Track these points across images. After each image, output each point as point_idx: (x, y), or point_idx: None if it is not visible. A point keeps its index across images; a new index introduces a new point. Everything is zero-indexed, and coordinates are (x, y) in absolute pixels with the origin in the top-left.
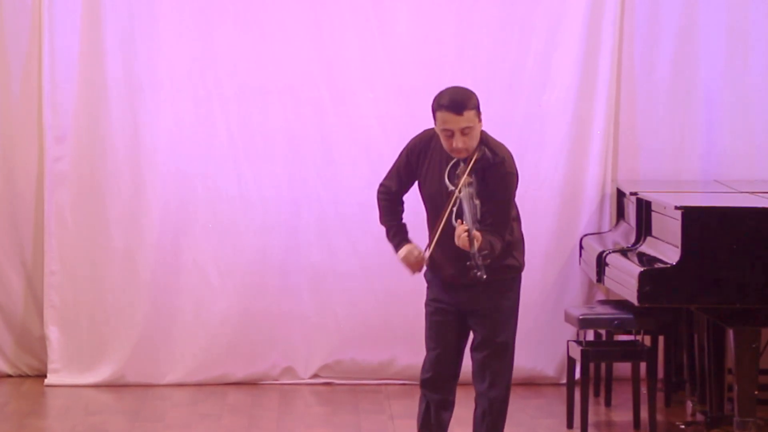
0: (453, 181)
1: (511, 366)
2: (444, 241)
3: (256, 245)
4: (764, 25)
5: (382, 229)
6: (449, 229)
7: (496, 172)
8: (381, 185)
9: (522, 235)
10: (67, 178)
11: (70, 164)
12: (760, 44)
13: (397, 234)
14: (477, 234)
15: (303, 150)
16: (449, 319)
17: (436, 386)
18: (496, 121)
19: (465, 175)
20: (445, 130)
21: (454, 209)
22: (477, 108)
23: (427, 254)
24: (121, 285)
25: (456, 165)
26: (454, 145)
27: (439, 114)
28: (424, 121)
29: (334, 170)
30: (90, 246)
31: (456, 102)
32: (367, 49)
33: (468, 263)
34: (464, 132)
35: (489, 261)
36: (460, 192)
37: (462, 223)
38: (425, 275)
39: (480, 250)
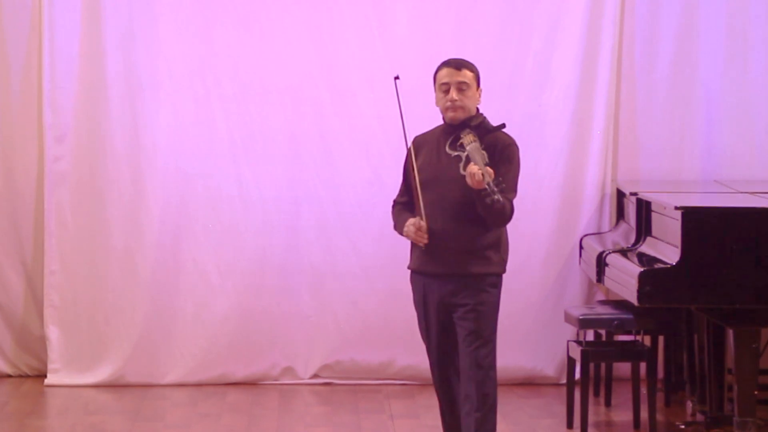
0: (456, 149)
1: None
2: (436, 208)
3: (256, 245)
4: (764, 25)
5: (382, 229)
6: (442, 195)
7: (497, 144)
8: (394, 201)
9: (507, 239)
10: (67, 178)
11: (70, 164)
12: (760, 44)
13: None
14: (489, 170)
15: (303, 150)
16: (437, 320)
17: (441, 385)
18: (496, 121)
19: (470, 134)
20: (442, 84)
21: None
22: (476, 75)
23: (423, 223)
24: (121, 285)
25: (456, 138)
26: (449, 96)
27: (438, 74)
28: (423, 120)
29: (334, 170)
30: (90, 246)
31: (455, 60)
32: (367, 49)
33: (483, 192)
34: (460, 87)
35: (502, 200)
36: (466, 147)
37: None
38: (411, 279)
39: (496, 183)
